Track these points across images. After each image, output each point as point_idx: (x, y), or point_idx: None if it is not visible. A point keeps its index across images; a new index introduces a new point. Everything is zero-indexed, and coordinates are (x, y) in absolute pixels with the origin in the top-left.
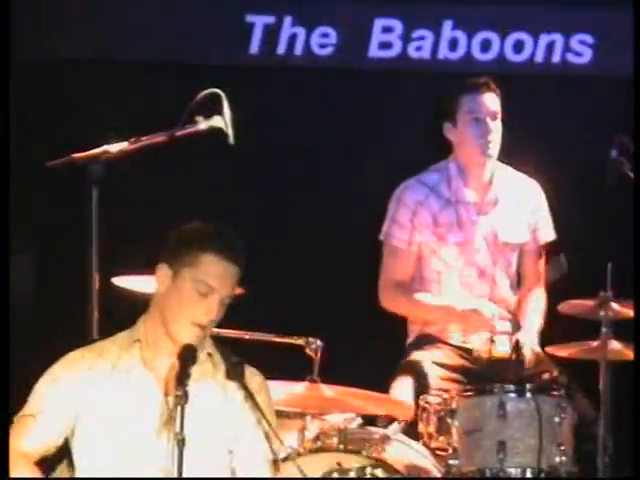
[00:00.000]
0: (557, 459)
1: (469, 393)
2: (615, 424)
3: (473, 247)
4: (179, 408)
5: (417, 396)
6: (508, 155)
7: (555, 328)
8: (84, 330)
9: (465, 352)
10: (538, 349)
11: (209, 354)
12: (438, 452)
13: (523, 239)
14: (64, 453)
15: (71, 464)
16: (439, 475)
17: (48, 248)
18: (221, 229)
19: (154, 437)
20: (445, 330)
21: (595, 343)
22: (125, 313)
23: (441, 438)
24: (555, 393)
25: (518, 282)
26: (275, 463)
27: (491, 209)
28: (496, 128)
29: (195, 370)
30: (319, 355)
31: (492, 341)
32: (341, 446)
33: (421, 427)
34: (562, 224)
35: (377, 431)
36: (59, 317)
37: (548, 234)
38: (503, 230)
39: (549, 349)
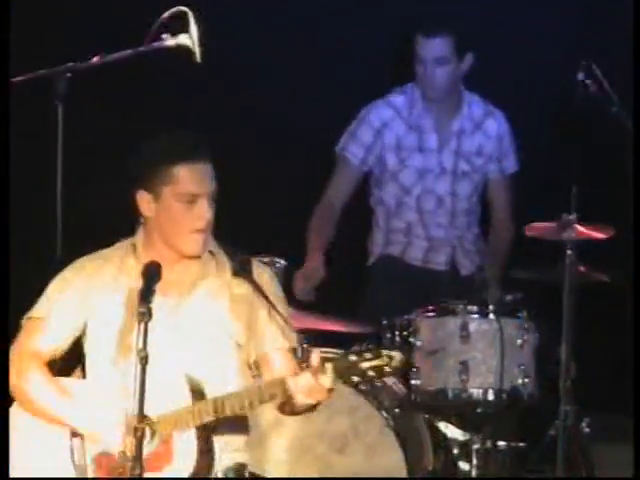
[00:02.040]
0: (519, 380)
1: (432, 314)
2: (577, 348)
3: (433, 174)
4: (142, 325)
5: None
6: (476, 80)
7: (521, 251)
8: (48, 247)
9: (427, 273)
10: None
11: (211, 252)
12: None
13: (486, 169)
14: (80, 358)
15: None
16: (401, 393)
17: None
18: (178, 137)
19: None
20: (408, 251)
21: (560, 267)
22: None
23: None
24: (518, 314)
25: (485, 213)
26: (294, 351)
27: (454, 138)
28: (439, 73)
29: (197, 270)
30: (283, 275)
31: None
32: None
33: (385, 344)
34: (529, 148)
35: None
36: (24, 236)
37: (512, 165)
38: (465, 159)
39: (514, 271)
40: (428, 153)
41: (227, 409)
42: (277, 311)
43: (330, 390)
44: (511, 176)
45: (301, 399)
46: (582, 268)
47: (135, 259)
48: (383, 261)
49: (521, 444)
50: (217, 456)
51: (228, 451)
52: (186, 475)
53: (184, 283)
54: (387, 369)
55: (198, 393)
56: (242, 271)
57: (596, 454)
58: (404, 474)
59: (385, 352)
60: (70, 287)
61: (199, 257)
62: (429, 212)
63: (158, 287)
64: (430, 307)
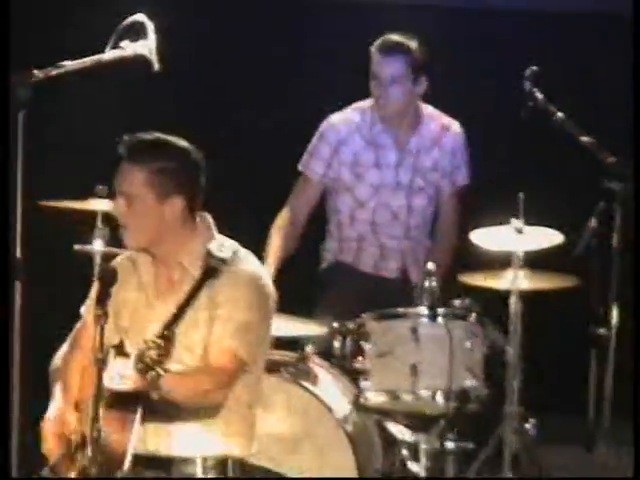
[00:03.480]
0: (467, 382)
1: (382, 318)
2: (525, 353)
3: (389, 189)
4: (99, 328)
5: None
6: (431, 95)
7: (469, 257)
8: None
9: (377, 279)
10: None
11: (181, 263)
12: (352, 375)
13: (439, 184)
14: None
15: None
16: (351, 395)
17: None
18: (131, 136)
19: None
20: (359, 258)
21: (507, 272)
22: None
23: (355, 361)
24: (466, 319)
25: (434, 223)
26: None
27: (412, 155)
28: (394, 92)
29: (173, 276)
30: None
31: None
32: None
33: (336, 349)
34: (479, 156)
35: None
36: None
37: (463, 178)
38: (421, 175)
39: (462, 277)
40: (385, 169)
41: None
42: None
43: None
44: (461, 188)
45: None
46: (529, 274)
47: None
48: (336, 267)
49: (469, 444)
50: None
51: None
52: None
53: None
54: (150, 353)
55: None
56: (210, 275)
57: (543, 455)
58: (354, 474)
59: (150, 339)
60: None
61: (135, 250)
62: (383, 224)
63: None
64: (381, 311)
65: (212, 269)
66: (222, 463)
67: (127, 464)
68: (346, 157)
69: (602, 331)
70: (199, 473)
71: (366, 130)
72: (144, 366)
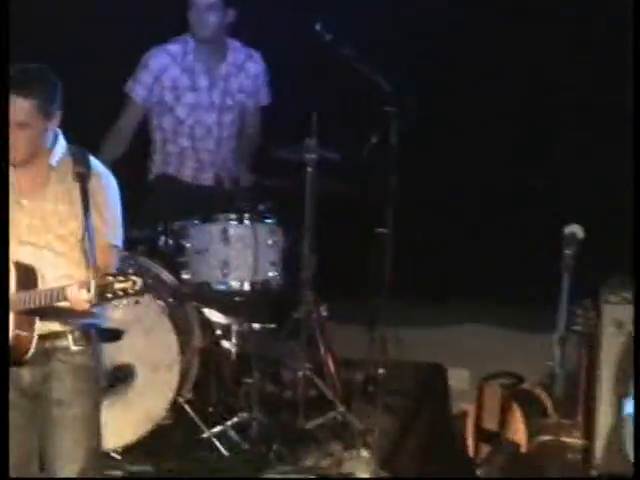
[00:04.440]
0: (270, 273)
1: (198, 220)
2: (318, 246)
3: (203, 109)
4: None
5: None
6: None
7: (270, 165)
8: None
9: (196, 187)
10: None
11: (50, 165)
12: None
13: (245, 103)
14: None
15: None
16: (173, 284)
17: None
18: (18, 68)
19: None
20: (180, 169)
21: (301, 181)
22: None
23: (176, 257)
24: (268, 220)
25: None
26: (111, 248)
27: (221, 79)
28: (210, 18)
29: (39, 176)
30: None
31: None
32: None
33: (161, 247)
34: (280, 83)
35: None
36: None
37: (264, 98)
38: (230, 96)
39: (266, 181)
40: (199, 91)
41: (31, 303)
42: (99, 212)
43: (89, 300)
44: (262, 107)
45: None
46: (320, 179)
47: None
48: (161, 178)
49: (272, 325)
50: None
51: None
52: None
53: (33, 188)
54: (130, 291)
55: (28, 277)
56: (79, 178)
57: (332, 332)
58: (176, 350)
59: (132, 277)
60: None
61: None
62: (200, 139)
63: (18, 189)
64: (198, 215)
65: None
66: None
67: (31, 351)
68: (166, 82)
69: (381, 230)
70: (71, 343)
71: (183, 59)
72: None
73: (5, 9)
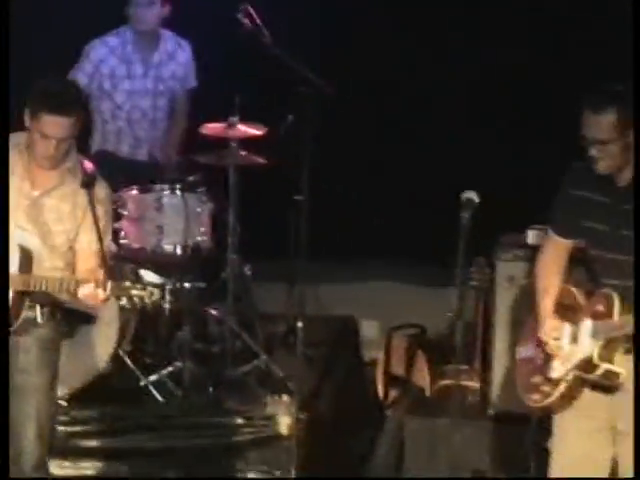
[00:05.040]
0: (199, 238)
1: (135, 191)
2: (242, 213)
3: (139, 95)
4: None
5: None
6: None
7: (201, 142)
8: None
9: (133, 162)
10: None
11: (68, 169)
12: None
13: (176, 88)
14: None
15: None
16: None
17: None
18: (54, 88)
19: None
20: (118, 146)
21: (226, 155)
22: None
23: (116, 224)
24: (198, 190)
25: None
26: (104, 256)
27: (154, 67)
28: (147, 12)
29: (55, 176)
30: None
31: None
32: None
33: None
34: (204, 66)
35: None
36: None
37: (192, 82)
38: (163, 82)
39: (194, 157)
40: (135, 79)
41: (42, 286)
42: (98, 222)
43: (105, 300)
44: (190, 90)
45: (82, 299)
46: (243, 153)
47: (19, 154)
48: (100, 154)
49: (202, 284)
50: None
51: None
52: None
53: (47, 184)
54: (147, 300)
55: (25, 262)
56: (86, 184)
57: (255, 290)
58: (116, 307)
59: (149, 288)
60: None
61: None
62: (136, 120)
63: (29, 181)
64: (134, 186)
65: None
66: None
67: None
68: (104, 71)
69: (298, 197)
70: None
71: (121, 50)
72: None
73: (5, 9)
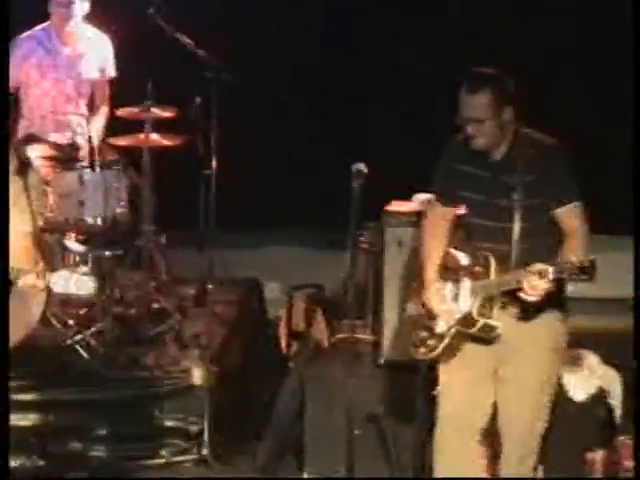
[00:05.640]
0: (118, 210)
1: (59, 169)
2: (156, 186)
3: (61, 81)
4: None
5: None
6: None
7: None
8: None
9: (57, 145)
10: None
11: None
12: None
13: (94, 76)
14: None
15: None
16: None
17: None
18: None
19: None
20: (43, 130)
21: (141, 136)
22: None
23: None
24: (115, 167)
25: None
26: (38, 237)
27: (69, 58)
28: (69, 11)
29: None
30: None
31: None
32: None
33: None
34: (125, 55)
35: None
36: None
37: (110, 71)
38: (83, 70)
39: (112, 140)
40: (59, 69)
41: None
42: (31, 204)
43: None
44: (110, 78)
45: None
46: (156, 136)
47: None
48: (28, 138)
49: (120, 252)
50: None
51: None
52: None
53: None
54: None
55: None
56: (19, 172)
57: (169, 256)
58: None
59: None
60: None
61: None
62: (60, 105)
63: None
64: (59, 166)
65: None
66: None
67: None
68: (32, 62)
69: (206, 171)
70: None
71: (46, 43)
72: None
73: (5, 9)
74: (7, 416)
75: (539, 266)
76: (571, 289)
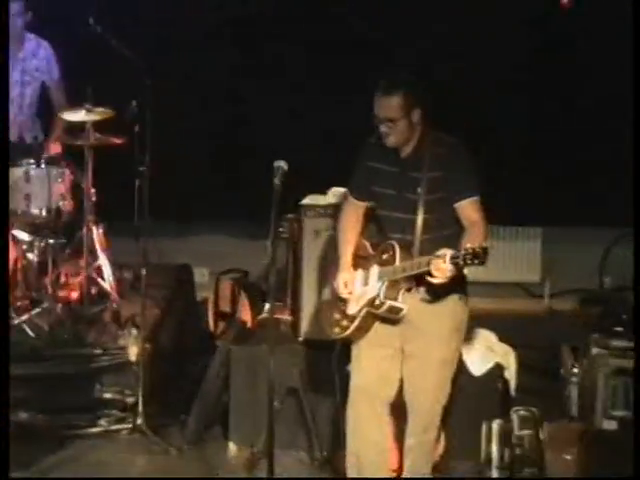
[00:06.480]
0: (60, 203)
1: (15, 166)
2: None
3: (16, 83)
4: None
5: None
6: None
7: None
8: None
9: (16, 145)
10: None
11: None
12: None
13: (44, 78)
14: None
15: None
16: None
17: None
18: None
19: None
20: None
21: (83, 135)
22: None
23: None
24: (59, 164)
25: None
26: None
27: (21, 62)
28: (18, 23)
29: None
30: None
31: None
32: None
33: None
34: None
35: None
36: None
37: (56, 74)
38: (29, 74)
39: (55, 138)
40: (10, 70)
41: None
42: None
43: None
44: (57, 79)
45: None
46: (99, 136)
47: None
48: None
49: (63, 240)
50: None
51: None
52: None
53: None
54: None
55: None
56: None
57: (108, 244)
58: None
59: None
60: None
61: None
62: (18, 106)
63: None
64: (15, 162)
65: None
66: None
67: None
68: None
69: (141, 168)
70: None
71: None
72: None
73: (5, 9)
74: (7, 416)
75: (442, 251)
76: (482, 275)
